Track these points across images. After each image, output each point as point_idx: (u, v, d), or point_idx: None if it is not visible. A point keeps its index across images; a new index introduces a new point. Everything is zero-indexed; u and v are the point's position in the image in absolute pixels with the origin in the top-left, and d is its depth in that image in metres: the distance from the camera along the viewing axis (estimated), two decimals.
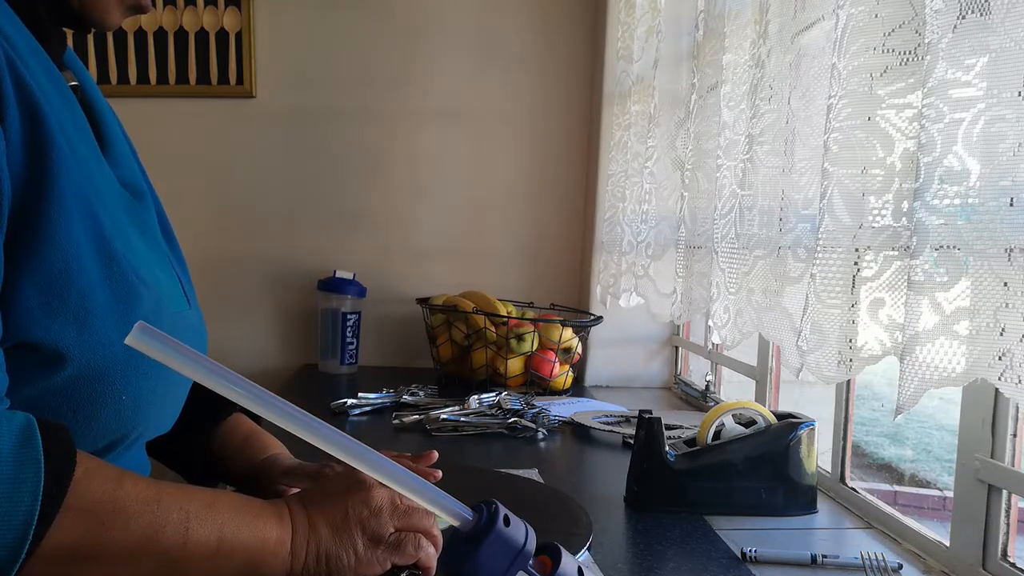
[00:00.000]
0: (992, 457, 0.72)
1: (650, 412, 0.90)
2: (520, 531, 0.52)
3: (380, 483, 0.54)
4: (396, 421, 1.25)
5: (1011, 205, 0.53)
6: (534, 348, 1.54)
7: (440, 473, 0.70)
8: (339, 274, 1.72)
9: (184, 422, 0.78)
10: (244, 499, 0.55)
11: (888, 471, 4.92)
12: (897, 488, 4.48)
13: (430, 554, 0.56)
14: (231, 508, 0.52)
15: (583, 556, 0.72)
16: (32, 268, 0.51)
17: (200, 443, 0.79)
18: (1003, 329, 0.53)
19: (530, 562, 0.51)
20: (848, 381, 0.98)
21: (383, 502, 0.56)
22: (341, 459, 0.50)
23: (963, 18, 0.56)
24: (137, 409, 0.58)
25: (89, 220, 0.55)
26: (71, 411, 0.54)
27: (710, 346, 1.52)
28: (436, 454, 0.77)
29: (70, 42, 0.70)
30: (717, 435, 0.91)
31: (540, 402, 1.38)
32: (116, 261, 0.56)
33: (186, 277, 0.73)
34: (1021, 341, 0.52)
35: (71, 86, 0.65)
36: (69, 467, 0.46)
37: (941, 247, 0.58)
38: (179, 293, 0.68)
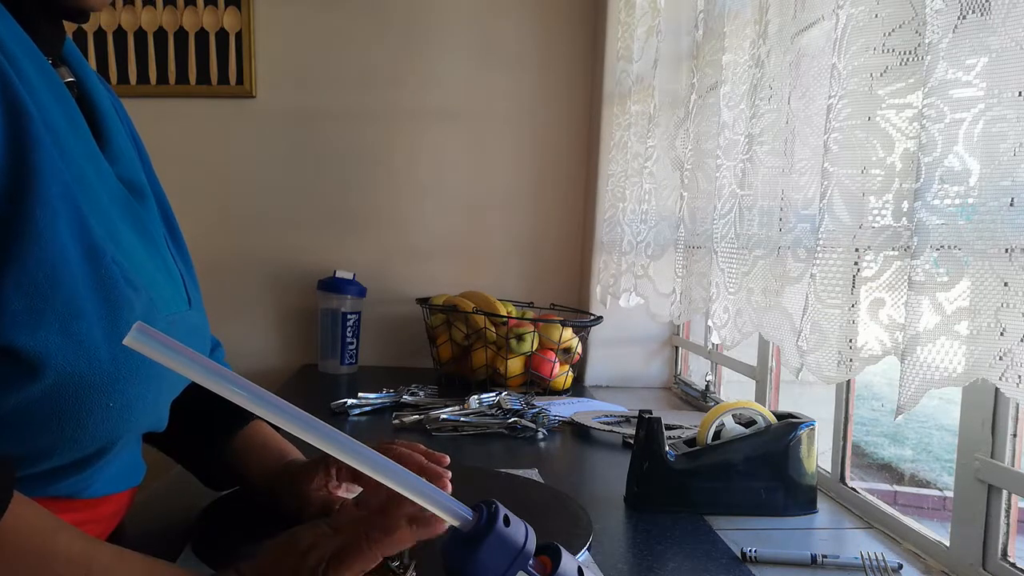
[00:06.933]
0: (992, 457, 0.72)
1: (650, 412, 0.90)
2: (520, 531, 0.52)
3: (313, 539, 0.52)
4: (396, 421, 1.25)
5: (1011, 205, 0.53)
6: (534, 348, 1.54)
7: (449, 475, 0.69)
8: (339, 274, 1.72)
9: (202, 430, 0.77)
10: (185, 572, 0.53)
11: (888, 471, 4.92)
12: (897, 488, 4.48)
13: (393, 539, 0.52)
14: None
15: (583, 556, 0.72)
16: (17, 272, 0.49)
17: (218, 450, 0.78)
18: (1004, 329, 0.53)
19: (530, 562, 0.51)
20: (848, 381, 0.98)
21: (316, 550, 0.52)
22: (341, 459, 0.50)
23: (964, 18, 0.56)
24: (125, 415, 0.57)
25: (76, 223, 0.53)
26: (56, 419, 0.53)
27: (710, 346, 1.52)
28: (448, 459, 0.76)
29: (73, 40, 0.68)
30: (717, 435, 0.91)
31: (540, 402, 1.38)
32: (104, 266, 0.54)
33: (190, 277, 0.72)
34: (1022, 341, 0.52)
35: (67, 82, 0.65)
36: (0, 508, 0.45)
37: (942, 247, 0.58)
38: (180, 294, 0.68)
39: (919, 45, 0.62)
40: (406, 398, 1.41)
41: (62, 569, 0.47)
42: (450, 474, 0.68)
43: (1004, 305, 0.53)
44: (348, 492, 0.74)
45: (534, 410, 1.28)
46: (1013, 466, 0.71)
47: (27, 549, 0.46)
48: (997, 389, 0.67)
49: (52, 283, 0.51)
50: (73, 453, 0.56)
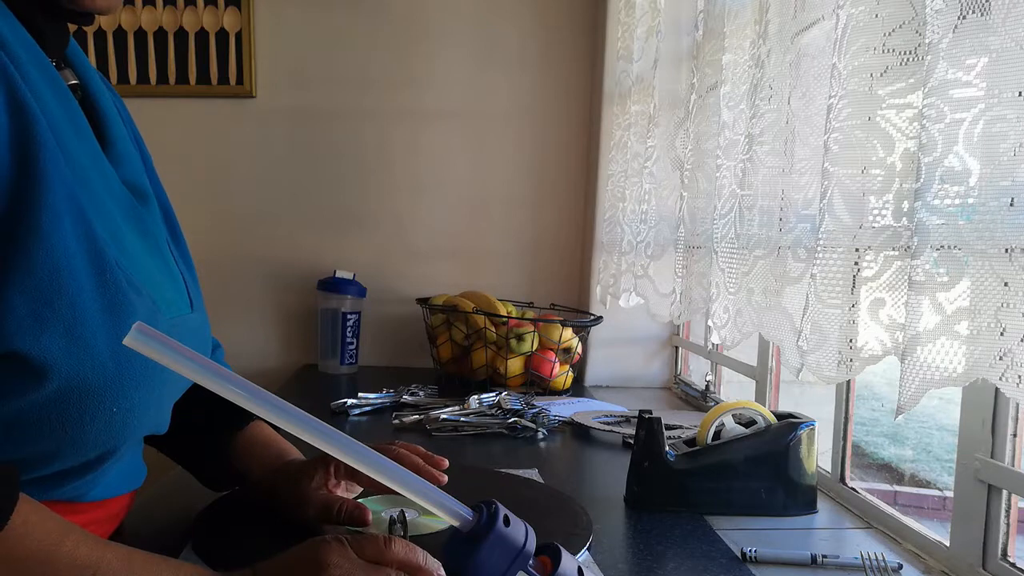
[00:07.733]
0: (992, 457, 0.72)
1: (650, 412, 0.90)
2: (520, 531, 0.52)
3: (338, 559, 0.51)
4: (396, 421, 1.25)
5: (1011, 205, 0.53)
6: (534, 348, 1.54)
7: (445, 478, 0.69)
8: (339, 274, 1.72)
9: (202, 430, 0.77)
10: (194, 568, 0.53)
11: (888, 471, 4.92)
12: (897, 488, 4.47)
13: None
14: None
15: (583, 556, 0.72)
16: (22, 276, 0.49)
17: (218, 450, 0.78)
18: (1004, 329, 0.53)
19: (530, 562, 0.51)
20: (848, 381, 0.98)
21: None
22: (341, 459, 0.50)
23: (964, 18, 0.56)
24: (128, 420, 0.57)
25: (81, 227, 0.53)
26: (60, 425, 0.53)
27: (710, 346, 1.52)
28: (447, 462, 0.75)
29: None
30: (717, 435, 0.91)
31: (540, 402, 1.38)
32: (109, 269, 0.54)
33: (192, 279, 0.72)
34: (1022, 341, 0.52)
35: (71, 84, 0.65)
36: (5, 513, 0.45)
37: (942, 247, 0.58)
38: (182, 296, 0.68)
39: (919, 45, 0.62)
40: (406, 398, 1.41)
41: (68, 573, 0.47)
42: (446, 478, 0.68)
43: (1004, 305, 0.53)
44: (348, 492, 0.74)
45: (534, 410, 1.28)
46: (1013, 466, 0.71)
47: (33, 553, 0.46)
48: (997, 389, 0.67)
49: (56, 287, 0.51)
50: (76, 457, 0.56)
